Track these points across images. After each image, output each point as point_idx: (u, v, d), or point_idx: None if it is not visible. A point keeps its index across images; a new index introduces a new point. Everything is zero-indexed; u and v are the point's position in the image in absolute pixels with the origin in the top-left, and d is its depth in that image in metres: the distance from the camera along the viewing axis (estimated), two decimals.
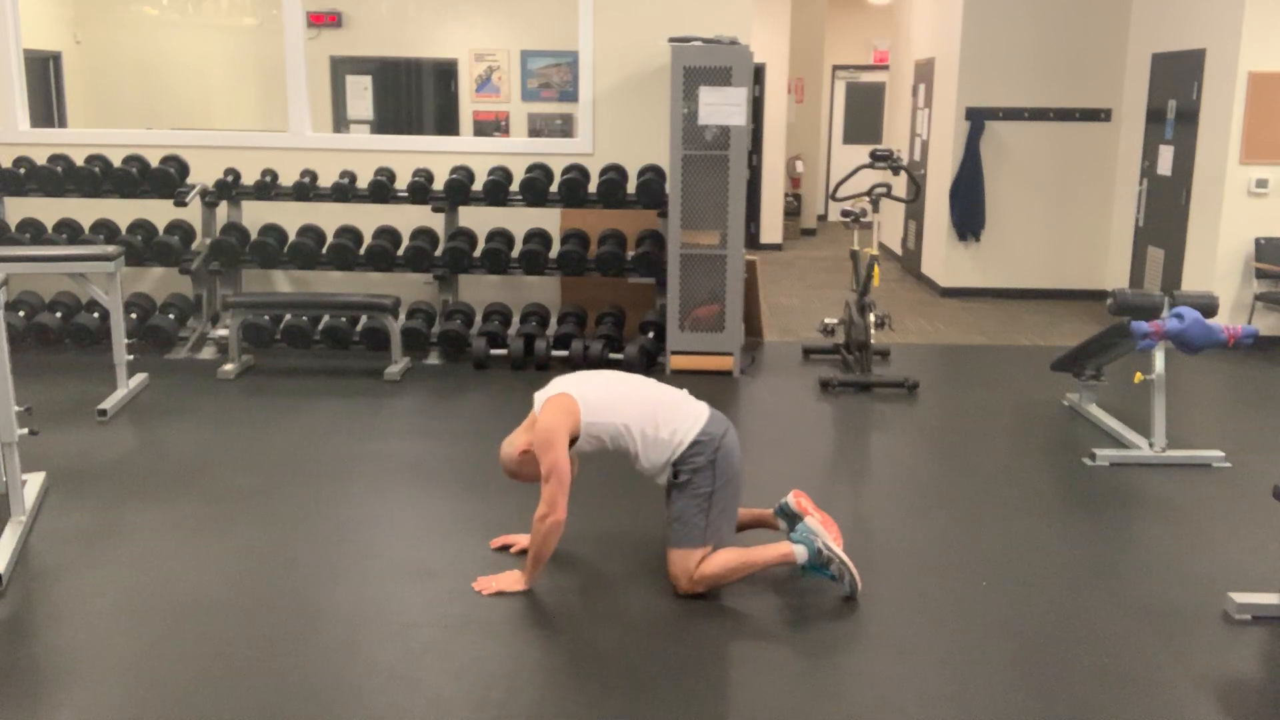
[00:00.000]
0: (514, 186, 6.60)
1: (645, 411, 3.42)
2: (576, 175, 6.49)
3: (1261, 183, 7.05)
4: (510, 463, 3.50)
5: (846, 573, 3.38)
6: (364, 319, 6.35)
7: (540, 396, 3.46)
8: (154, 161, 6.70)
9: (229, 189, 6.67)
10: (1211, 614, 3.36)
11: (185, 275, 6.60)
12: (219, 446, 4.85)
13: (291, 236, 6.71)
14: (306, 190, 6.61)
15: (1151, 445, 4.82)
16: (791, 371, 6.45)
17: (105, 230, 6.68)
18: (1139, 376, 4.96)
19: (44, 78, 9.84)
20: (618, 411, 3.41)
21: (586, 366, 6.15)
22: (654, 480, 3.51)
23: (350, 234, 6.68)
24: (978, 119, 8.76)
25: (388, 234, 6.69)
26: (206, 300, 6.73)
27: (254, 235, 6.67)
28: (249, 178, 6.78)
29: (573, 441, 3.41)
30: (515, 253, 6.56)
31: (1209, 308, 4.85)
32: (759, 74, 11.09)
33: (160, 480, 4.41)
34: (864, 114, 14.66)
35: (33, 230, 6.68)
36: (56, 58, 10.00)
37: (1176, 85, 7.74)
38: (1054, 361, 5.76)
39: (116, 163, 6.65)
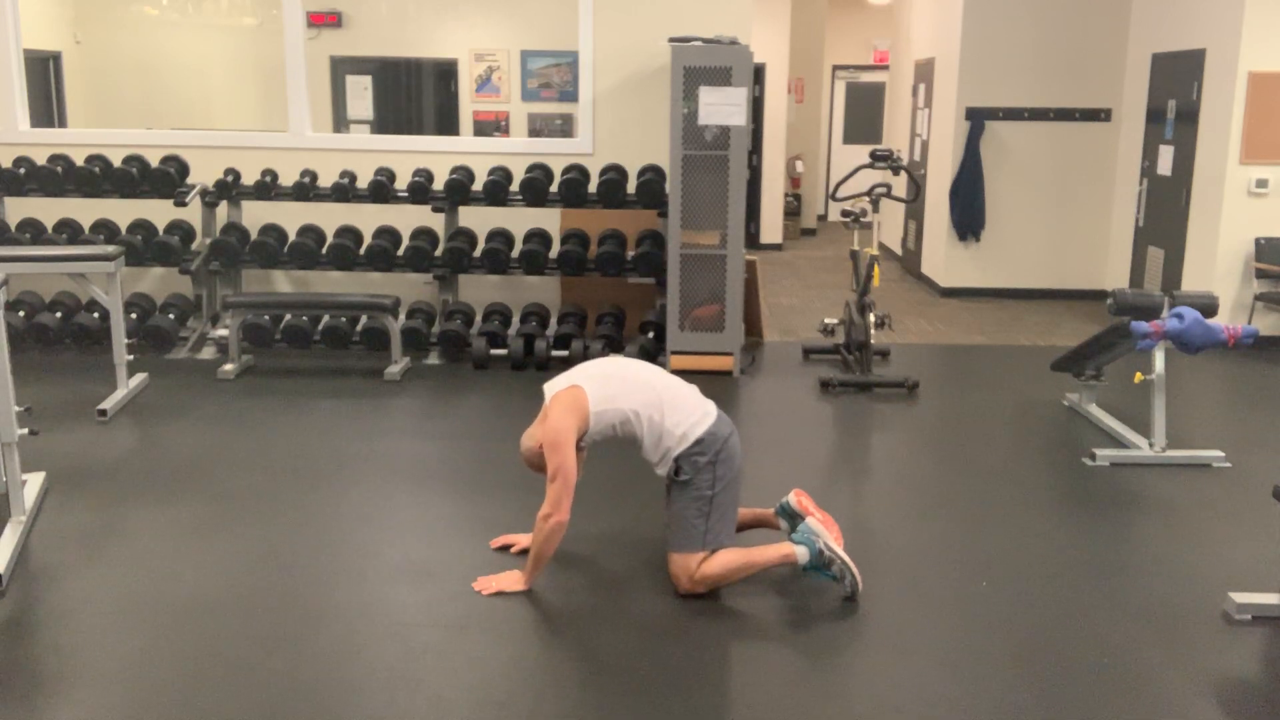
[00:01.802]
0: (514, 186, 6.60)
1: (653, 399, 3.42)
2: (576, 175, 6.49)
3: (1261, 183, 7.05)
4: (531, 455, 3.51)
5: (848, 573, 3.38)
6: (364, 319, 6.35)
7: (550, 388, 3.47)
8: (154, 161, 6.70)
9: (229, 189, 6.67)
10: (1211, 614, 3.36)
11: (185, 275, 6.60)
12: (219, 446, 4.85)
13: (291, 236, 6.71)
14: (306, 190, 6.61)
15: (1151, 445, 4.82)
16: (791, 371, 6.45)
17: (105, 230, 6.67)
18: (1139, 376, 4.96)
19: (44, 78, 9.84)
20: (626, 398, 3.41)
21: None
22: (655, 470, 3.50)
23: (350, 234, 6.68)
24: (978, 119, 8.76)
25: (388, 234, 6.69)
26: (206, 300, 6.73)
27: (254, 235, 6.67)
28: (249, 178, 6.78)
29: (581, 437, 3.41)
30: (515, 253, 6.56)
31: (1209, 308, 4.85)
32: (759, 74, 11.09)
33: (160, 480, 4.41)
34: (864, 114, 14.66)
35: (33, 230, 6.68)
36: (56, 58, 10.00)
37: (1176, 85, 7.74)
38: (1054, 361, 5.76)
39: (116, 163, 6.65)
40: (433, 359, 6.44)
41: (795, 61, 12.04)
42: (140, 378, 5.75)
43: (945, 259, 9.11)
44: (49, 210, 6.77)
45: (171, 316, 6.53)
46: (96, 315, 6.37)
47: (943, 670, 3.01)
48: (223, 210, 6.81)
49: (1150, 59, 8.17)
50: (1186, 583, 3.59)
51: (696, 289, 6.25)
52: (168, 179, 6.61)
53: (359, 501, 4.21)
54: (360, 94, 10.80)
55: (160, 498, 4.21)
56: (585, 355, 6.16)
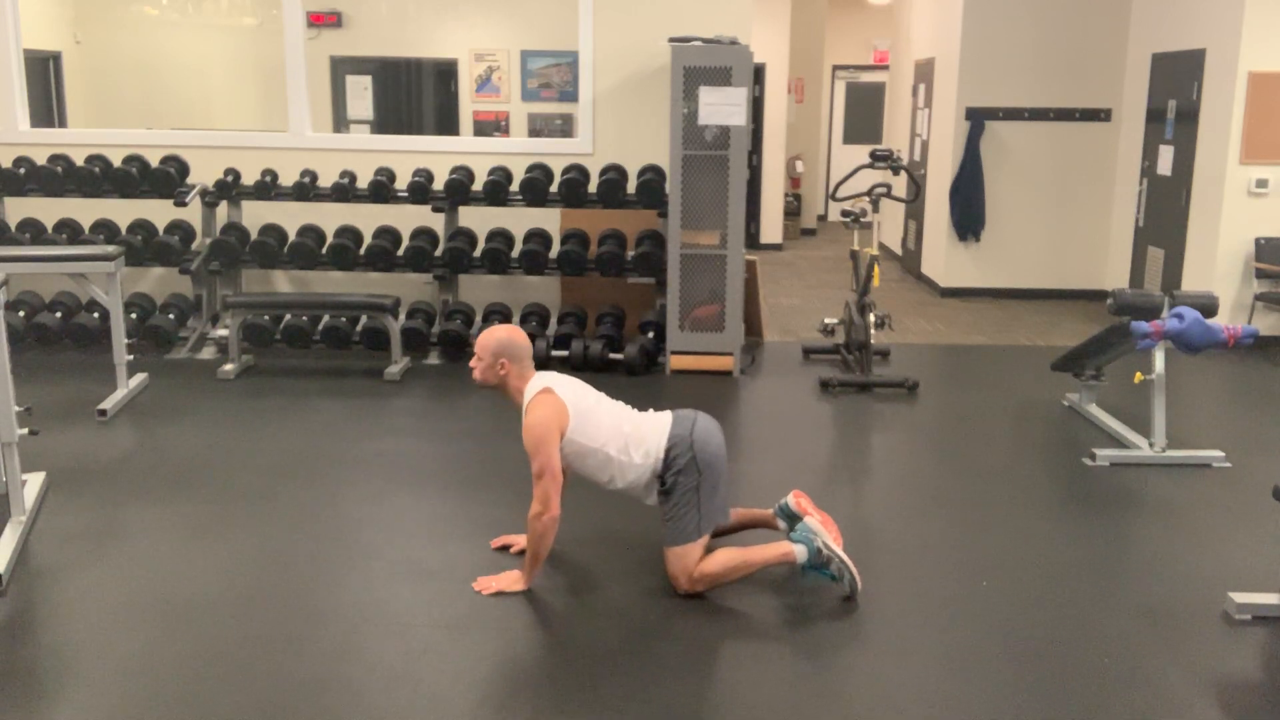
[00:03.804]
0: (514, 186, 6.60)
1: (620, 437, 3.44)
2: (576, 175, 6.49)
3: (1261, 183, 7.05)
4: (497, 342, 3.47)
5: (846, 572, 3.38)
6: (364, 319, 6.35)
7: (535, 380, 3.47)
8: (154, 161, 6.70)
9: (229, 189, 6.67)
10: (1211, 614, 3.36)
11: (185, 275, 6.60)
12: (219, 446, 4.85)
13: (291, 236, 6.71)
14: (306, 190, 6.61)
15: (1151, 445, 4.82)
16: (791, 371, 6.45)
17: (105, 230, 6.68)
18: (1139, 376, 4.96)
19: (44, 78, 9.84)
20: (598, 435, 3.42)
21: (586, 367, 6.16)
22: (644, 501, 3.52)
23: (350, 234, 6.68)
24: (978, 119, 8.76)
25: (388, 234, 6.69)
26: (206, 300, 6.73)
27: (254, 235, 6.67)
28: (249, 178, 6.78)
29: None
30: (515, 253, 6.56)
31: (1209, 308, 4.85)
32: (759, 74, 11.09)
33: (160, 480, 4.41)
34: (864, 114, 14.66)
35: (33, 230, 6.68)
36: (56, 58, 10.00)
37: (1176, 85, 7.75)
38: (1054, 361, 5.76)
39: (116, 163, 6.66)
40: (433, 359, 6.44)
41: (795, 61, 12.04)
42: (140, 378, 5.75)
43: (945, 259, 9.11)
44: (49, 210, 6.77)
45: (171, 316, 6.53)
46: (96, 315, 6.37)
47: (942, 670, 3.01)
48: (223, 210, 6.81)
49: (1150, 59, 8.17)
50: (1186, 583, 3.59)
51: (696, 289, 6.25)
52: (168, 179, 6.61)
53: (359, 501, 4.21)
54: (360, 94, 10.80)
55: (160, 498, 4.21)
56: (585, 355, 6.17)
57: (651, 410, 3.60)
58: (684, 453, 3.40)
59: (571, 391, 3.48)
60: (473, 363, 3.56)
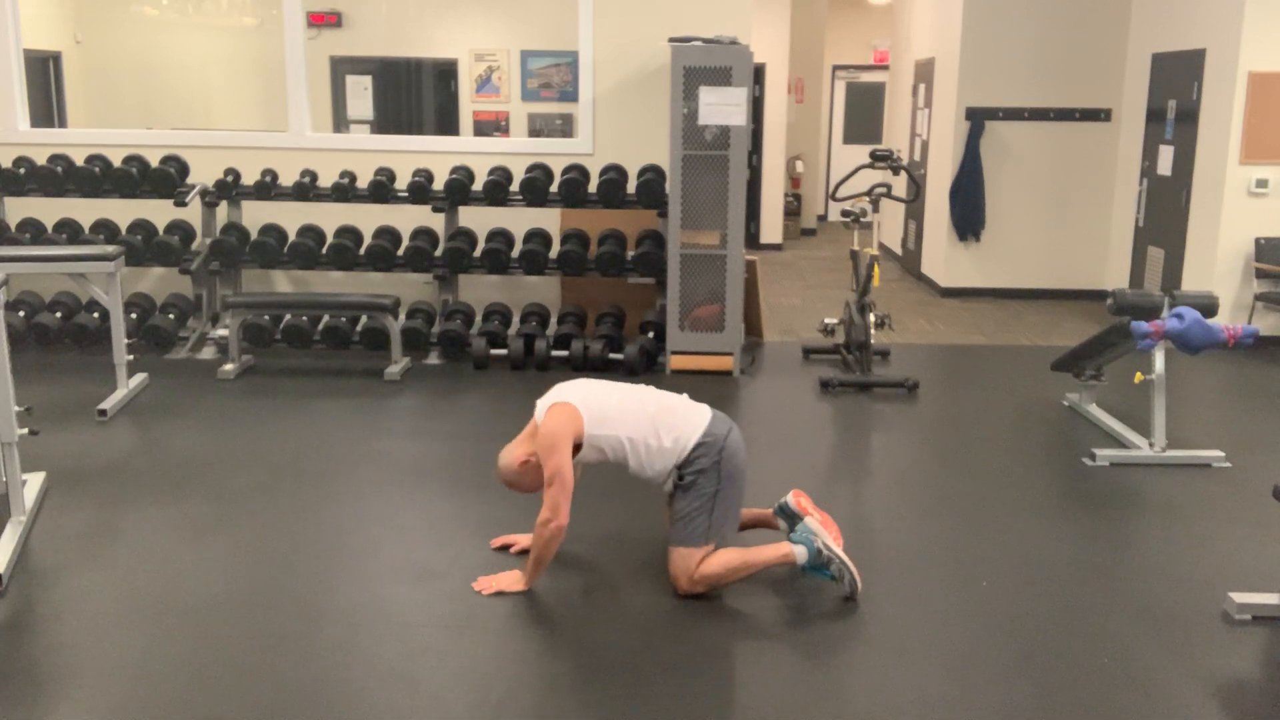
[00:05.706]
0: (514, 186, 6.60)
1: (645, 422, 3.42)
2: (576, 175, 6.49)
3: (1261, 183, 7.05)
4: (509, 472, 3.48)
5: (846, 573, 3.38)
6: (364, 319, 6.35)
7: (542, 404, 3.46)
8: (154, 161, 6.70)
9: (229, 189, 6.67)
10: (1211, 614, 3.36)
11: (185, 275, 6.60)
12: (219, 446, 4.85)
13: (291, 236, 6.72)
14: (306, 190, 6.62)
15: (1151, 445, 4.82)
16: (791, 371, 6.45)
17: (105, 230, 6.68)
18: (1139, 376, 4.96)
19: (44, 78, 9.84)
20: (620, 424, 3.41)
21: (586, 367, 6.16)
22: (660, 488, 3.51)
23: (350, 234, 6.68)
24: (978, 119, 8.76)
25: (388, 234, 6.70)
26: (206, 300, 6.73)
27: (254, 235, 6.67)
28: (249, 178, 6.78)
29: (575, 450, 3.41)
30: (515, 253, 6.56)
31: (1209, 308, 4.85)
32: (759, 74, 11.09)
33: (160, 480, 4.41)
34: (864, 114, 14.66)
35: (33, 230, 6.68)
36: (56, 58, 10.00)
37: (1176, 85, 7.75)
38: (1054, 361, 5.76)
39: (116, 163, 6.66)
40: (433, 359, 6.45)
41: (795, 61, 12.04)
42: (140, 378, 5.75)
43: (945, 259, 9.11)
44: (49, 210, 6.78)
45: (171, 316, 6.53)
46: (96, 315, 6.37)
47: (942, 670, 3.01)
48: (223, 210, 6.81)
49: (1150, 59, 8.18)
50: (1186, 583, 3.59)
51: (696, 289, 6.26)
52: (168, 179, 6.61)
53: (359, 501, 4.21)
54: (360, 94, 10.80)
55: (160, 498, 4.21)
56: (585, 355, 6.17)
57: (686, 395, 3.59)
58: (711, 454, 3.39)
59: (581, 393, 3.47)
60: (525, 488, 3.49)
